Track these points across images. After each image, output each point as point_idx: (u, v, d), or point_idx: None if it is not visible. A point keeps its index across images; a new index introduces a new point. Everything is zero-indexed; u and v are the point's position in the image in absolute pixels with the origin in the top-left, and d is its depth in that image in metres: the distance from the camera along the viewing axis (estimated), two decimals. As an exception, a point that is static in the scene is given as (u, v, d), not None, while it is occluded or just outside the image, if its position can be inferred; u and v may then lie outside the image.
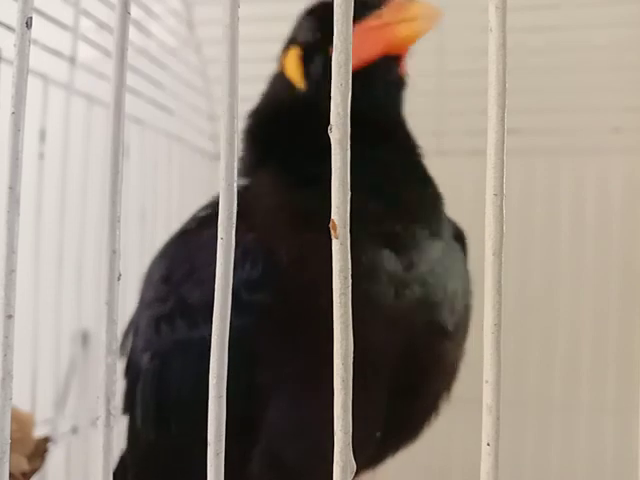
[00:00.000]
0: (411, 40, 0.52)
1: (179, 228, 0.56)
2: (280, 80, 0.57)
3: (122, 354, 0.57)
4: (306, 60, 0.55)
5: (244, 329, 0.46)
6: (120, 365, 0.56)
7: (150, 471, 0.54)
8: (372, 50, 0.52)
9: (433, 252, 0.51)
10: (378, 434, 0.50)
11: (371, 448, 0.50)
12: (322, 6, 0.56)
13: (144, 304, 0.55)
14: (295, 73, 0.56)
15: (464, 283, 0.54)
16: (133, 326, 0.56)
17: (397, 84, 0.56)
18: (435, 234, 0.51)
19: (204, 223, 0.51)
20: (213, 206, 0.53)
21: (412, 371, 0.50)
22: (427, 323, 0.50)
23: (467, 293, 0.55)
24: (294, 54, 0.56)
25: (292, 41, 0.58)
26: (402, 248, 0.49)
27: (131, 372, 0.55)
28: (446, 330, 0.51)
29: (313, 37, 0.55)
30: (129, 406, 0.54)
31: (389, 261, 0.48)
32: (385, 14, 0.52)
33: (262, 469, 0.49)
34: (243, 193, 0.50)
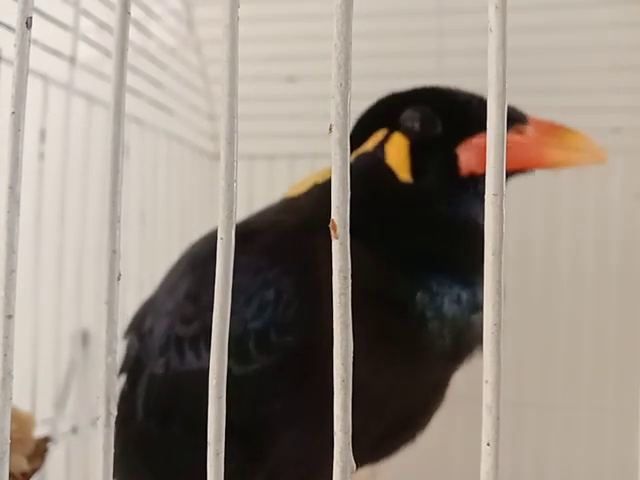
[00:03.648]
0: (564, 166, 0.48)
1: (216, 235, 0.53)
2: (375, 165, 0.50)
3: (126, 338, 0.57)
4: (418, 154, 0.49)
5: (267, 367, 0.46)
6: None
7: (137, 453, 0.53)
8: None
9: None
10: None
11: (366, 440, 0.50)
12: (436, 94, 0.51)
13: (163, 311, 0.53)
14: (401, 165, 0.49)
15: None
16: (143, 321, 0.55)
17: None
18: None
19: (243, 249, 0.44)
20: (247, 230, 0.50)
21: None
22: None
23: None
24: (401, 144, 0.50)
25: (391, 124, 0.50)
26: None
27: (134, 365, 0.55)
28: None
29: (430, 129, 0.49)
30: (129, 385, 0.54)
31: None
32: (531, 132, 0.48)
33: None
34: (309, 247, 0.47)
